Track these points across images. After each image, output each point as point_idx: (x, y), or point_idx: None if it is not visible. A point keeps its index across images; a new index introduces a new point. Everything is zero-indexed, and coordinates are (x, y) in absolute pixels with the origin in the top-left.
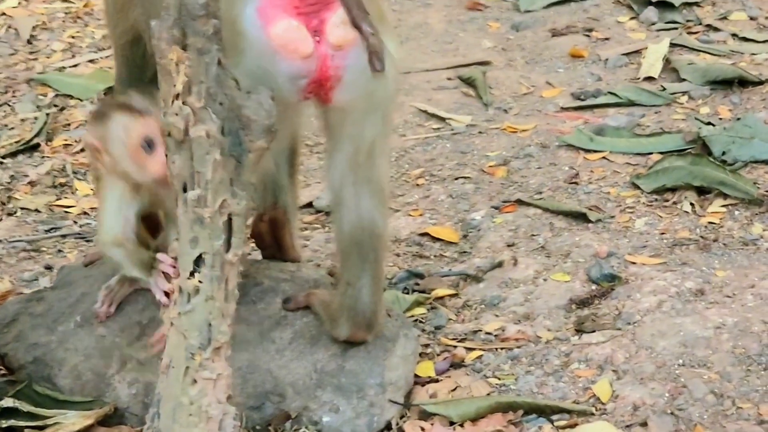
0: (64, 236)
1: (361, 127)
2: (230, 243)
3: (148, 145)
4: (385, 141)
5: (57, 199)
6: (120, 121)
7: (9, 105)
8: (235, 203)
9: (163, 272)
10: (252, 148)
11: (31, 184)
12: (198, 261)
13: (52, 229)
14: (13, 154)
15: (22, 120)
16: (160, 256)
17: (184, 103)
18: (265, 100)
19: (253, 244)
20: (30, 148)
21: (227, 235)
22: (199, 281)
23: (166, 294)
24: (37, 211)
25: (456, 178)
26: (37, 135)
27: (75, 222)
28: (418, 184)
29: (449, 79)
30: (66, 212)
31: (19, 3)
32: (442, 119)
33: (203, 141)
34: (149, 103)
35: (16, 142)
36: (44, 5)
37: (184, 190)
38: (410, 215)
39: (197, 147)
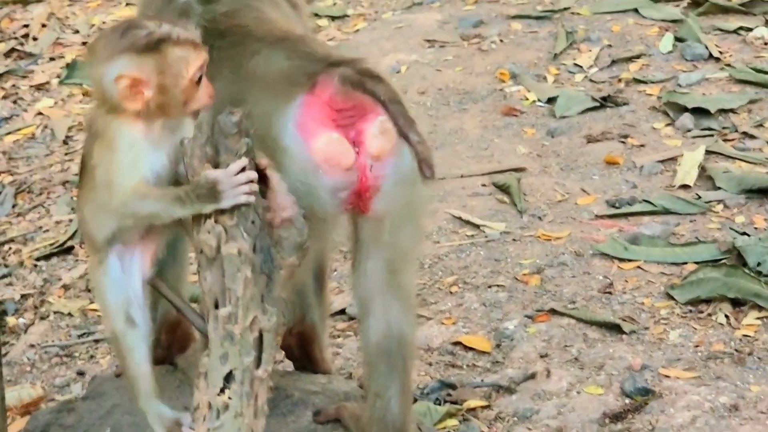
0: (97, 341)
1: (397, 236)
2: (260, 359)
3: (199, 77)
4: (416, 249)
5: (90, 303)
6: (182, 54)
7: (44, 207)
8: (266, 319)
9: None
10: (283, 265)
11: (65, 287)
12: (228, 377)
13: (85, 334)
14: (47, 257)
15: (57, 222)
16: (183, 419)
17: (216, 221)
18: (297, 218)
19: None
20: (64, 251)
21: (257, 351)
22: (229, 397)
23: None
24: (70, 315)
25: (489, 286)
26: (71, 238)
27: None
28: (451, 292)
29: (484, 185)
30: (99, 316)
31: (56, 103)
32: (477, 226)
33: (234, 258)
34: (188, 27)
35: (50, 245)
36: (80, 105)
37: (216, 306)
38: (443, 323)
39: (228, 264)
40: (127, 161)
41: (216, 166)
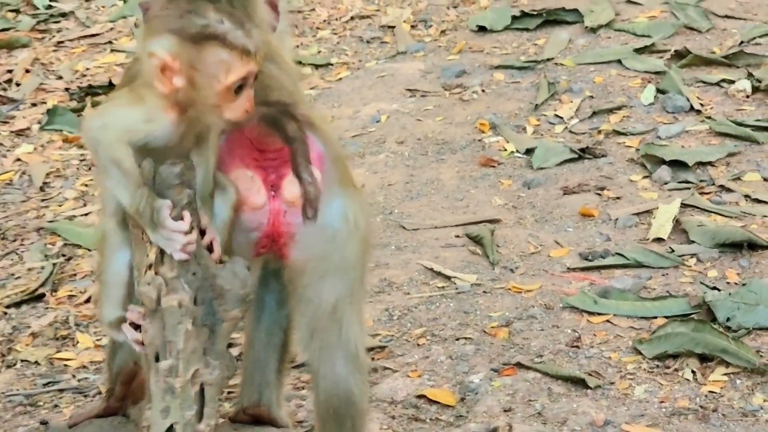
0: (61, 390)
1: (320, 290)
2: (202, 413)
3: (240, 87)
4: (353, 306)
5: (57, 352)
6: (223, 58)
7: (17, 253)
8: (208, 373)
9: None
10: (226, 318)
11: (33, 335)
12: (169, 431)
13: (50, 383)
14: (17, 305)
15: (29, 269)
16: (130, 307)
17: (156, 273)
18: (240, 269)
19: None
20: (34, 298)
21: (199, 405)
22: None
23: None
24: (37, 363)
25: (457, 339)
26: (42, 285)
27: (74, 376)
28: (419, 344)
29: (458, 236)
30: (65, 365)
31: (35, 149)
32: (448, 278)
33: (175, 311)
34: (252, 33)
35: (21, 292)
36: (59, 152)
37: (156, 359)
38: (408, 376)
39: (169, 316)
40: (134, 118)
41: None
